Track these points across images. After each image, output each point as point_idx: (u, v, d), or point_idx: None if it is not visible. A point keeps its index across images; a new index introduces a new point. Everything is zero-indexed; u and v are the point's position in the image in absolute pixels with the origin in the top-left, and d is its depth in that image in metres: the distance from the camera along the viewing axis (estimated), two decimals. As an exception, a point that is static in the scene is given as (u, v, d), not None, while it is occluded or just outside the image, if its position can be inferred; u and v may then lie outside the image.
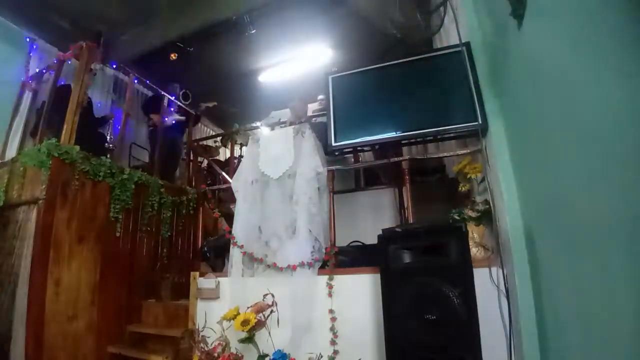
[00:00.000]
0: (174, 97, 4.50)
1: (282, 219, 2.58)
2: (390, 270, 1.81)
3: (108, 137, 4.27)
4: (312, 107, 4.44)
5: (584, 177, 1.12)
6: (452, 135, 2.30)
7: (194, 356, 2.28)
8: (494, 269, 1.92)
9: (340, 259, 2.55)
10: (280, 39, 4.90)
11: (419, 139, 2.41)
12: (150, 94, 4.94)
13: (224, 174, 4.23)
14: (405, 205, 3.08)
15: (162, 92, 4.35)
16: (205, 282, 2.65)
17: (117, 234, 3.16)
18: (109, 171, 3.10)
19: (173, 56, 4.98)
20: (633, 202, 0.87)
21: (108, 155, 3.41)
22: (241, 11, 4.35)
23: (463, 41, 2.14)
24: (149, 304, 3.30)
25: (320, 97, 3.48)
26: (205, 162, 5.07)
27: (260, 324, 2.17)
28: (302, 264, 2.37)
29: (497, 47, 1.87)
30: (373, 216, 3.58)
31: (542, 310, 1.59)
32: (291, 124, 3.17)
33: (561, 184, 1.29)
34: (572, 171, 1.20)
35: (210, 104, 5.09)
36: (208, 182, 4.92)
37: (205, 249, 3.09)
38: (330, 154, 2.59)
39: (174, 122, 4.44)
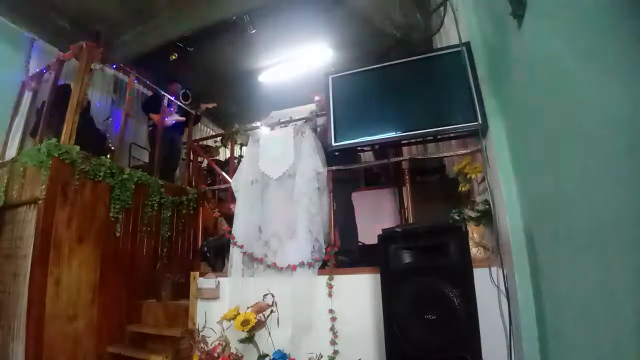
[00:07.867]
0: (174, 97, 4.50)
1: (282, 219, 2.58)
2: (390, 270, 1.81)
3: (108, 137, 4.27)
4: (309, 108, 4.43)
5: (584, 177, 1.12)
6: (452, 135, 2.30)
7: (194, 356, 2.28)
8: (494, 269, 1.92)
9: (340, 258, 2.55)
10: (280, 39, 4.90)
11: (419, 139, 2.41)
12: (150, 94, 4.94)
13: (224, 174, 4.23)
14: (405, 205, 3.09)
15: (162, 92, 4.35)
16: (205, 282, 2.65)
17: (117, 234, 3.16)
18: (109, 171, 3.10)
19: (173, 56, 4.99)
20: (633, 201, 0.87)
21: (108, 155, 3.41)
22: (241, 11, 4.35)
23: (463, 41, 2.14)
24: (149, 304, 3.29)
25: (317, 98, 3.49)
26: (205, 162, 5.07)
27: (260, 324, 2.17)
28: (302, 264, 2.37)
29: (497, 47, 1.87)
30: (373, 216, 3.58)
31: (542, 310, 1.59)
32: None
33: (561, 184, 1.29)
34: (572, 171, 1.20)
35: (210, 105, 5.09)
36: (208, 182, 4.92)
37: (205, 249, 3.09)
38: (330, 154, 2.59)
39: (173, 122, 4.44)
